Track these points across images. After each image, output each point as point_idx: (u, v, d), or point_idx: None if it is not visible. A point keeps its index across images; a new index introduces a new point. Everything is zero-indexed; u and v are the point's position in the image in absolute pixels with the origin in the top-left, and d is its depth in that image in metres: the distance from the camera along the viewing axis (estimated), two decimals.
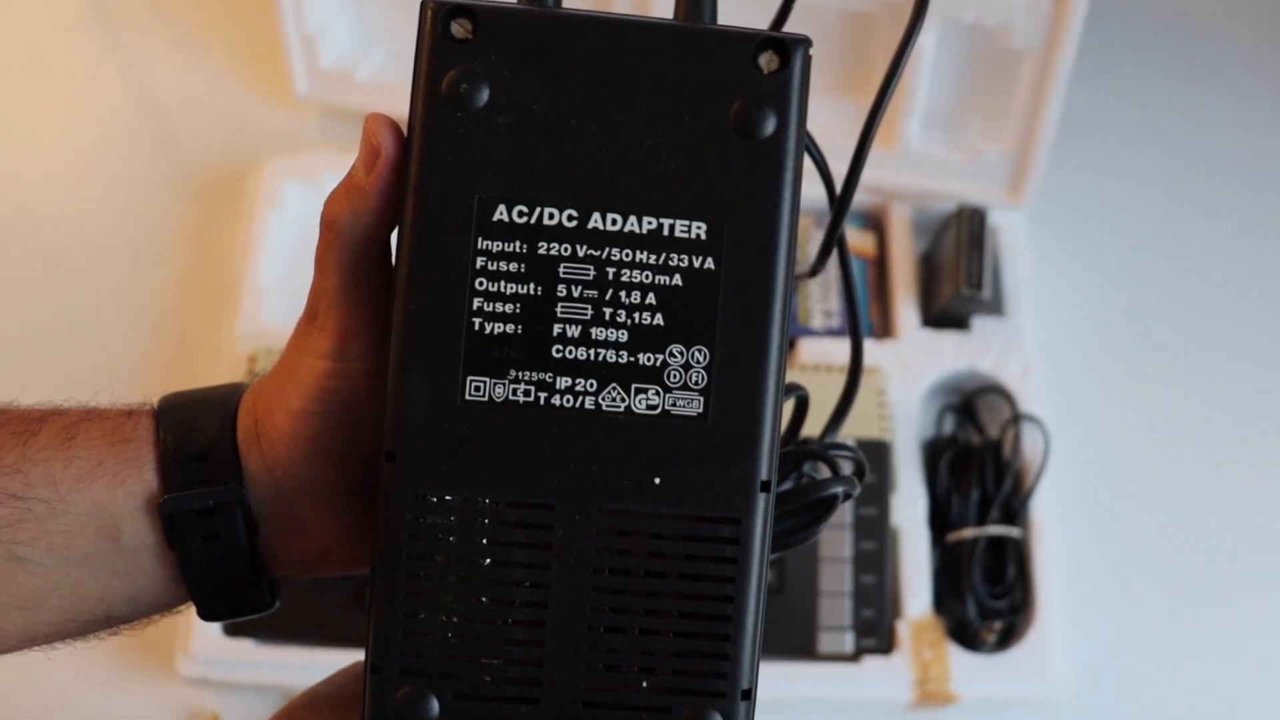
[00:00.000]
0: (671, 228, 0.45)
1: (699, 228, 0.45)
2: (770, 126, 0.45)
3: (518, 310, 0.45)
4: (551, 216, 0.45)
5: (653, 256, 0.45)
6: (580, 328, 0.45)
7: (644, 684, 0.45)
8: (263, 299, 1.04)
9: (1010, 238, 1.10)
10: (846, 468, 0.56)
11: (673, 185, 0.45)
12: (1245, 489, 1.05)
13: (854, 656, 0.94)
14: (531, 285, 0.45)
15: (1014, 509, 0.99)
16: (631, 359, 0.45)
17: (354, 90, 1.13)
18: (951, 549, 0.98)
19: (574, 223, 0.45)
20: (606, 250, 0.45)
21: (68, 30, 1.22)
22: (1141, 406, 1.07)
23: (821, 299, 1.07)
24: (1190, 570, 1.01)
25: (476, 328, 0.45)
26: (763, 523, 0.45)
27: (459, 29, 0.45)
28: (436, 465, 0.45)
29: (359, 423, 0.48)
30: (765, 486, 0.45)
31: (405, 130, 0.46)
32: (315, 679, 0.53)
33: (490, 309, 0.45)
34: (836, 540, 0.96)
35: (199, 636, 0.92)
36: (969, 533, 0.97)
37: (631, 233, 0.45)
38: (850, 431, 0.98)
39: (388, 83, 1.13)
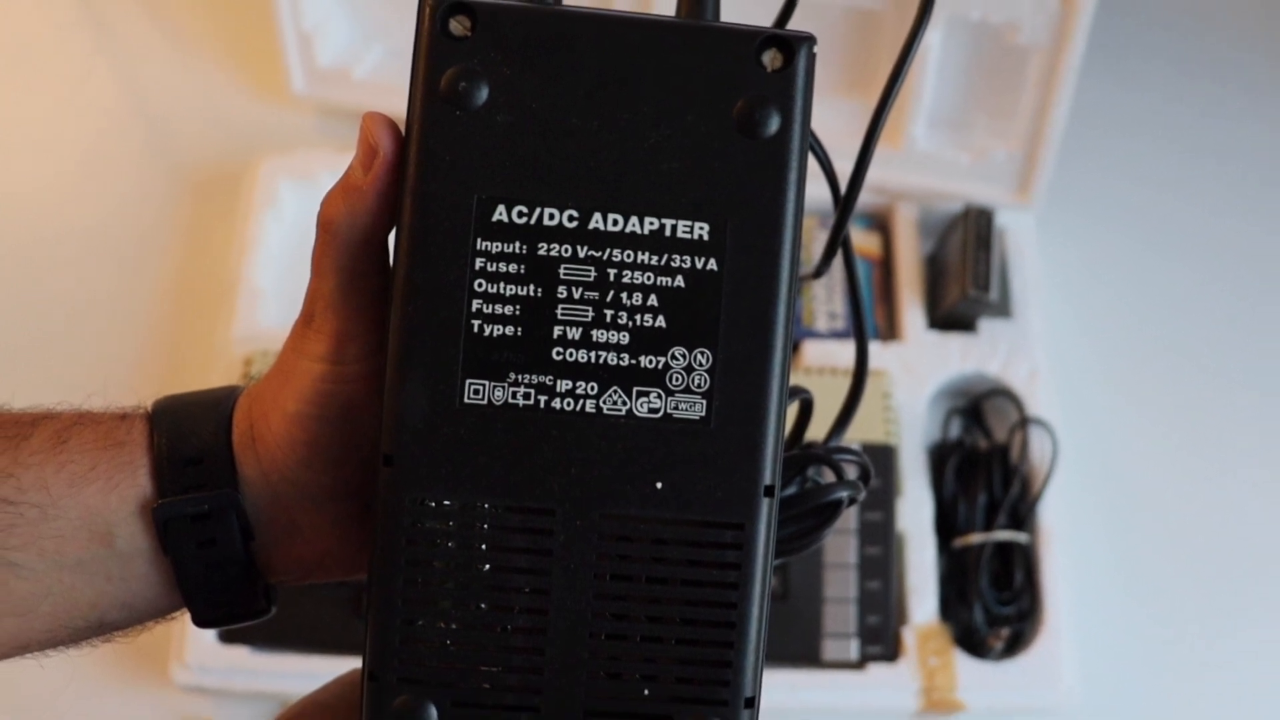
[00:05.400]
0: (674, 228, 0.45)
1: (701, 228, 0.45)
2: (774, 125, 0.45)
3: (517, 312, 0.45)
4: (552, 217, 0.45)
5: (654, 258, 0.45)
6: (581, 330, 0.45)
7: (646, 692, 0.45)
8: (258, 301, 1.04)
9: (1018, 239, 1.10)
10: (851, 472, 0.57)
11: (675, 185, 0.45)
12: (1258, 495, 1.05)
13: (859, 664, 0.94)
14: (531, 287, 0.45)
15: (1022, 514, 0.99)
16: (633, 361, 0.45)
17: (351, 88, 1.13)
18: (958, 554, 0.98)
19: (574, 223, 0.45)
20: (607, 251, 0.45)
21: (59, 27, 1.22)
22: (1152, 410, 1.07)
23: (826, 301, 1.07)
24: (1202, 578, 1.01)
25: (475, 330, 0.45)
26: (766, 528, 0.45)
27: (458, 26, 0.45)
28: (435, 469, 0.45)
29: (356, 426, 0.48)
30: (769, 491, 0.45)
31: (403, 129, 0.46)
32: (312, 687, 0.53)
33: (489, 311, 0.45)
34: (841, 546, 0.96)
35: (193, 643, 0.92)
36: (976, 538, 0.97)
37: (633, 233, 0.45)
38: (855, 435, 0.98)
39: (386, 81, 1.13)
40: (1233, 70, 1.23)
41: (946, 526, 0.99)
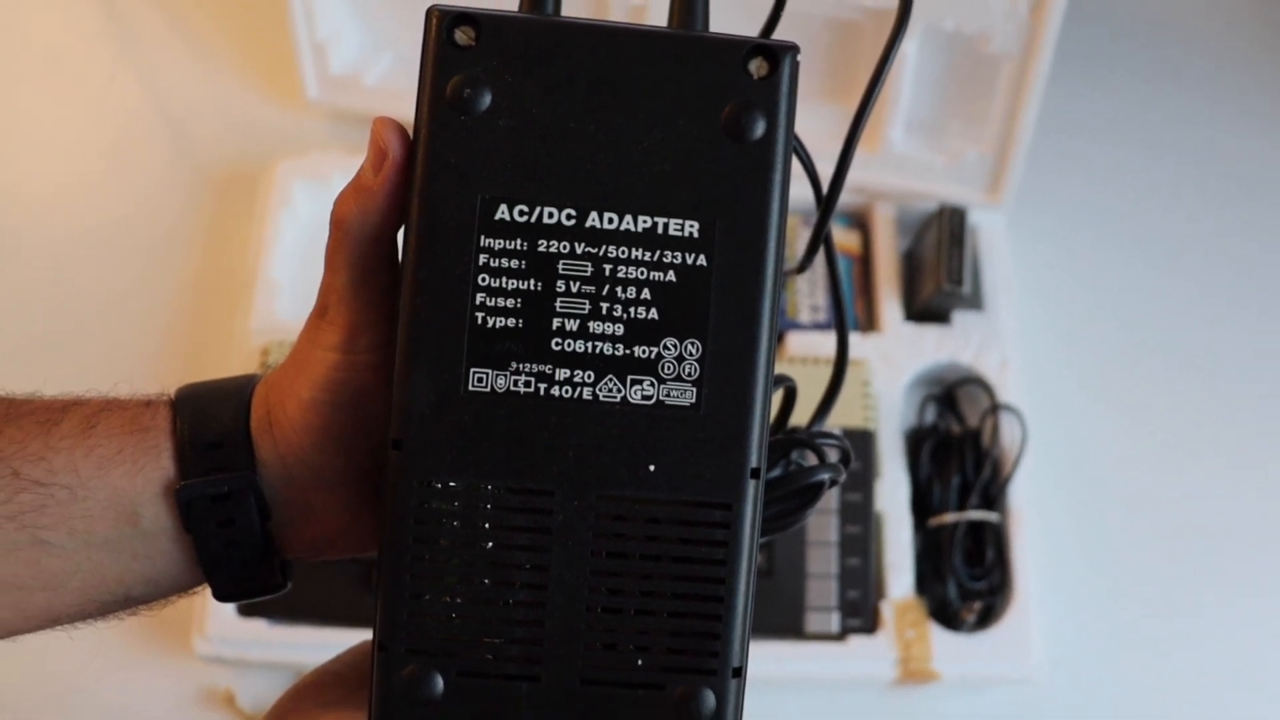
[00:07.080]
0: (665, 226, 0.45)
1: (692, 226, 0.45)
2: (760, 130, 0.45)
3: (518, 305, 0.45)
4: (551, 215, 0.45)
5: (647, 254, 0.45)
6: (578, 322, 0.45)
7: (639, 662, 0.45)
8: (275, 294, 1.04)
9: (989, 236, 1.10)
10: (833, 455, 0.57)
11: (667, 186, 0.45)
12: (1215, 476, 1.05)
13: (840, 636, 0.94)
14: (532, 281, 0.45)
15: (993, 495, 0.99)
16: (627, 351, 0.45)
17: (362, 95, 1.13)
18: (933, 533, 0.98)
19: (572, 221, 0.45)
20: (603, 248, 0.45)
21: (86, 37, 1.22)
22: (1114, 397, 1.08)
23: (809, 294, 1.07)
24: (1161, 554, 1.02)
25: (479, 322, 0.45)
26: (753, 508, 0.45)
27: (462, 36, 0.45)
28: (441, 453, 0.45)
29: (367, 413, 0.48)
30: (755, 473, 0.45)
31: (411, 133, 0.46)
32: (325, 657, 0.53)
33: (492, 304, 0.45)
34: (823, 525, 0.96)
35: (214, 617, 0.92)
36: (950, 517, 0.97)
37: (627, 231, 0.45)
38: (836, 421, 0.99)
39: (394, 87, 1.13)
40: (1193, 76, 1.23)
41: (922, 507, 1.00)
